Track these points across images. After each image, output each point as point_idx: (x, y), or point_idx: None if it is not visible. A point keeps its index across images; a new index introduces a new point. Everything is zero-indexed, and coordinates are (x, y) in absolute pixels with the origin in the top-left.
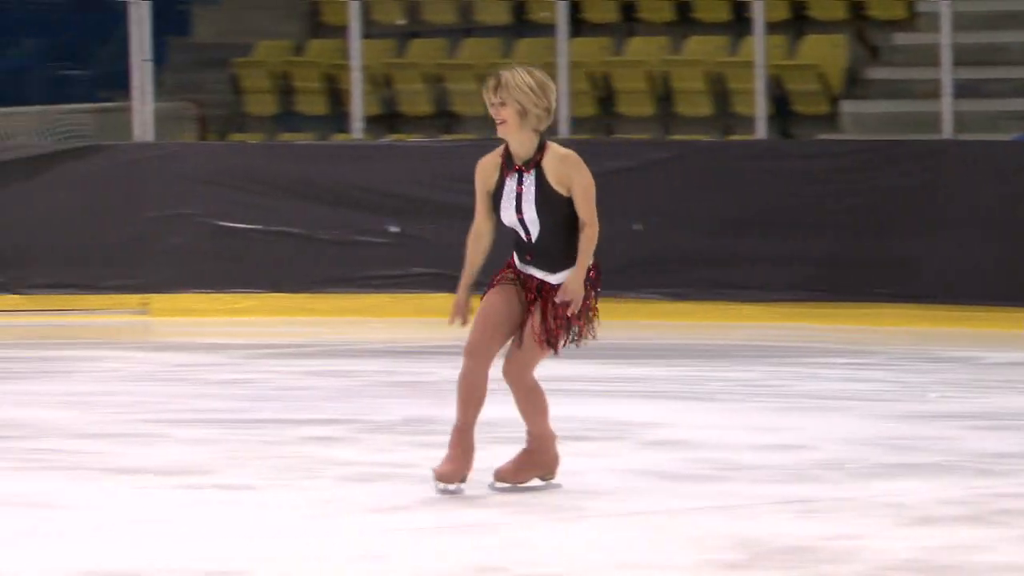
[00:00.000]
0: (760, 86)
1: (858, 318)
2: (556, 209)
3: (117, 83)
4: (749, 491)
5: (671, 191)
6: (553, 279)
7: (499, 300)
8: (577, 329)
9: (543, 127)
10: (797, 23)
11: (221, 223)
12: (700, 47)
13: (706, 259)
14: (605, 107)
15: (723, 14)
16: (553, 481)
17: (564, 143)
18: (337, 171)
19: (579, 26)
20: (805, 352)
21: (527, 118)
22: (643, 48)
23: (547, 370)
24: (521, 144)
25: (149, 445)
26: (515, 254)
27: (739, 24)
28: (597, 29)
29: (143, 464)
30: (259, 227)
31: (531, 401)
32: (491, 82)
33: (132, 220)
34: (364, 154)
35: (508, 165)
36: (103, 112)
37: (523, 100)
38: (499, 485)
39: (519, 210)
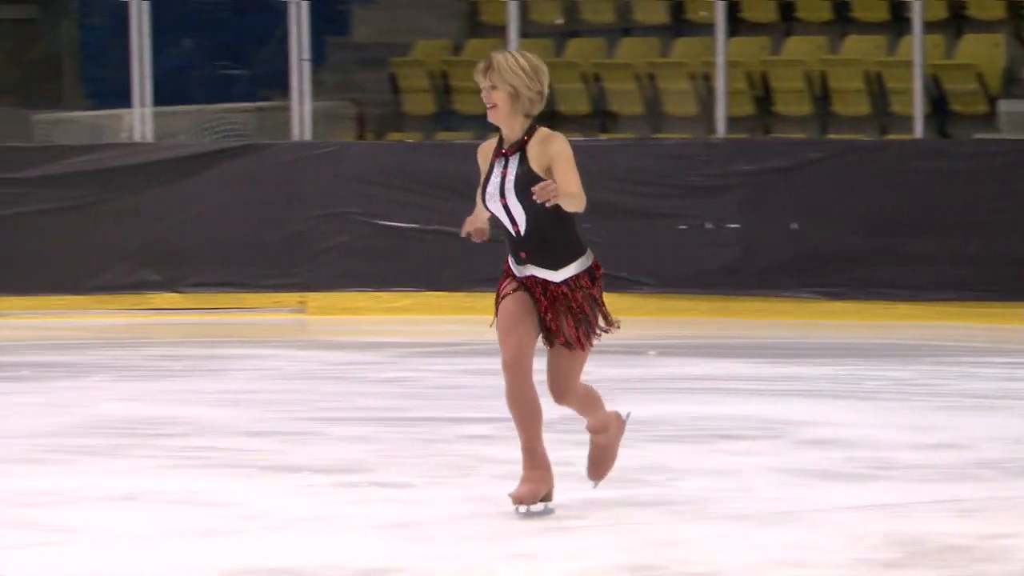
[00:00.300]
0: (917, 85)
1: (1016, 317)
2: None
3: (276, 82)
4: (905, 490)
5: (828, 190)
6: (557, 277)
7: (515, 307)
8: (589, 322)
9: (535, 111)
10: (955, 22)
11: (379, 222)
12: (858, 46)
13: (862, 258)
14: (763, 106)
15: (881, 14)
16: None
17: (721, 142)
18: None
19: (737, 25)
20: (962, 351)
21: (519, 101)
22: (801, 47)
23: (701, 369)
24: (511, 129)
25: (307, 443)
26: (510, 257)
27: (897, 24)
28: (755, 28)
29: (302, 462)
30: (417, 226)
31: (586, 405)
32: (482, 65)
33: (290, 219)
34: None
35: (497, 150)
36: (262, 111)
37: (515, 83)
38: (598, 485)
39: (503, 195)
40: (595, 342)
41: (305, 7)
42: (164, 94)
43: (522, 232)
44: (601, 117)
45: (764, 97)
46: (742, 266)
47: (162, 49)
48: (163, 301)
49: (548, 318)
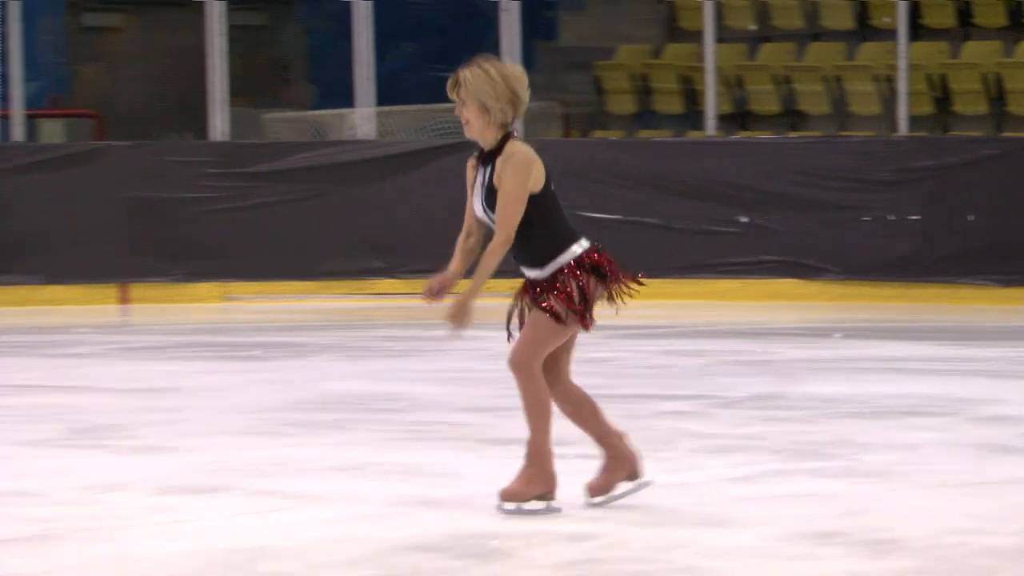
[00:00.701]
0: None
1: None
2: None
3: None
4: None
5: (1003, 184)
6: (543, 274)
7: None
8: (571, 298)
9: (510, 119)
10: None
11: (584, 213)
12: None
13: None
14: (941, 106)
15: None
16: (554, 504)
17: (902, 140)
18: (691, 165)
19: (918, 31)
20: None
21: (489, 114)
22: (978, 51)
23: (884, 350)
24: (486, 141)
25: (518, 418)
26: None
27: None
28: (935, 34)
29: (513, 435)
30: (619, 217)
31: (529, 408)
32: (450, 81)
33: None
34: (716, 150)
35: (479, 159)
36: None
37: (481, 97)
38: (507, 506)
39: (481, 203)
40: (569, 323)
41: (516, 13)
42: (385, 95)
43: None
44: (791, 116)
45: (943, 98)
46: (922, 255)
47: (383, 53)
48: (384, 286)
49: (538, 291)
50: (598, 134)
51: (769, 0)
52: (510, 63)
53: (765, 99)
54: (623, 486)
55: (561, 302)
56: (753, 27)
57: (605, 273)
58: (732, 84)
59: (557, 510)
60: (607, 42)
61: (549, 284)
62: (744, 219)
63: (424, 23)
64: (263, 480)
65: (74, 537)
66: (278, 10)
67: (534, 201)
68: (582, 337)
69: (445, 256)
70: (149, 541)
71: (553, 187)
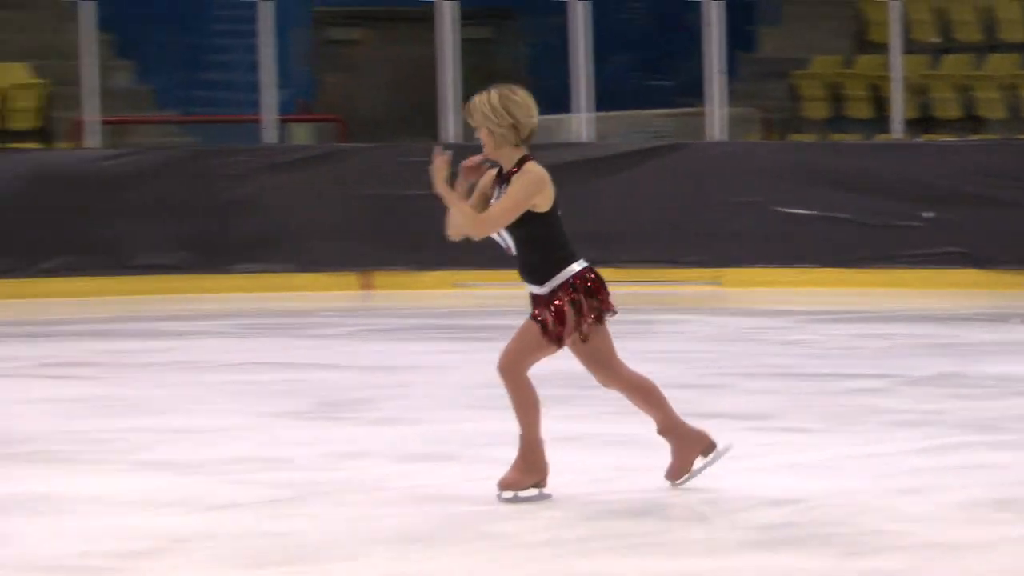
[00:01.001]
0: None
1: None
2: (517, 224)
3: (694, 91)
4: None
5: None
6: (542, 290)
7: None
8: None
9: (519, 141)
10: None
11: (782, 209)
12: None
13: None
14: None
15: None
16: (546, 491)
17: None
18: (880, 166)
19: None
20: None
21: (495, 137)
22: None
23: None
24: (501, 160)
25: (722, 394)
26: None
27: None
28: None
29: (718, 409)
30: (814, 213)
31: (519, 403)
32: (466, 108)
33: (707, 207)
34: (903, 152)
35: (498, 177)
36: (682, 116)
37: (485, 122)
38: (504, 495)
39: None
40: (561, 342)
41: (720, 28)
42: (601, 101)
43: (515, 252)
44: (971, 121)
45: None
46: None
47: (599, 63)
48: (602, 274)
49: (535, 313)
50: (794, 137)
51: (951, 15)
52: (520, 90)
53: (947, 105)
54: (699, 462)
55: (553, 319)
56: (936, 40)
57: (596, 294)
58: (917, 91)
59: (548, 496)
60: (802, 53)
61: (546, 300)
62: (928, 214)
63: (636, 37)
64: (490, 449)
65: (319, 500)
66: (503, 24)
67: (541, 219)
68: (781, 322)
69: (657, 246)
70: (389, 505)
71: (560, 212)
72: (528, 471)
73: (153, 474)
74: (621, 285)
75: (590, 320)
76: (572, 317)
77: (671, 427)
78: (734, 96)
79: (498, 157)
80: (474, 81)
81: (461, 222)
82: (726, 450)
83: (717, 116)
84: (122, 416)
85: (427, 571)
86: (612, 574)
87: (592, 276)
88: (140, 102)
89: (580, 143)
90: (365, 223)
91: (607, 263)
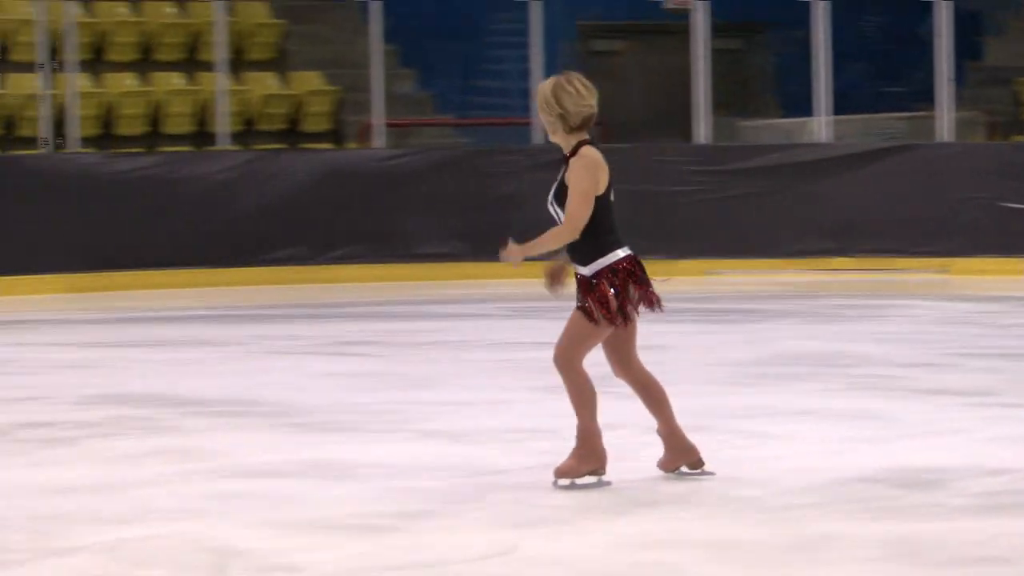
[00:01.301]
0: None
1: None
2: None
3: (926, 97)
4: None
5: None
6: (586, 271)
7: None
8: (608, 305)
9: (570, 128)
10: None
11: (1003, 204)
12: None
13: None
14: None
15: None
16: (604, 478)
17: None
18: None
19: None
20: None
21: (550, 124)
22: None
23: None
24: (561, 144)
25: (946, 372)
26: None
27: None
28: None
29: (941, 386)
30: None
31: (574, 395)
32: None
33: (935, 202)
34: None
35: (563, 161)
36: (914, 119)
37: (542, 111)
38: (561, 482)
39: (551, 200)
40: (606, 325)
41: (948, 37)
42: (839, 105)
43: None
44: None
45: None
46: None
47: (838, 71)
48: (838, 263)
49: (582, 290)
50: (1016, 139)
51: None
52: (578, 79)
53: None
54: (684, 469)
55: (596, 305)
56: None
57: (639, 279)
58: None
59: (608, 483)
60: None
61: (590, 285)
62: None
63: (872, 48)
64: (738, 421)
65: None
66: (752, 37)
67: (593, 202)
68: (1002, 307)
69: (889, 237)
70: (640, 474)
71: (612, 197)
72: (584, 459)
73: (427, 442)
74: (856, 273)
75: (632, 304)
76: (615, 300)
77: (668, 433)
78: (961, 101)
79: (556, 141)
80: (724, 88)
81: (555, 243)
82: (704, 473)
83: (946, 119)
84: (398, 390)
85: (674, 530)
86: (845, 535)
87: (633, 267)
88: (421, 106)
89: (820, 144)
90: (624, 217)
91: (845, 253)
